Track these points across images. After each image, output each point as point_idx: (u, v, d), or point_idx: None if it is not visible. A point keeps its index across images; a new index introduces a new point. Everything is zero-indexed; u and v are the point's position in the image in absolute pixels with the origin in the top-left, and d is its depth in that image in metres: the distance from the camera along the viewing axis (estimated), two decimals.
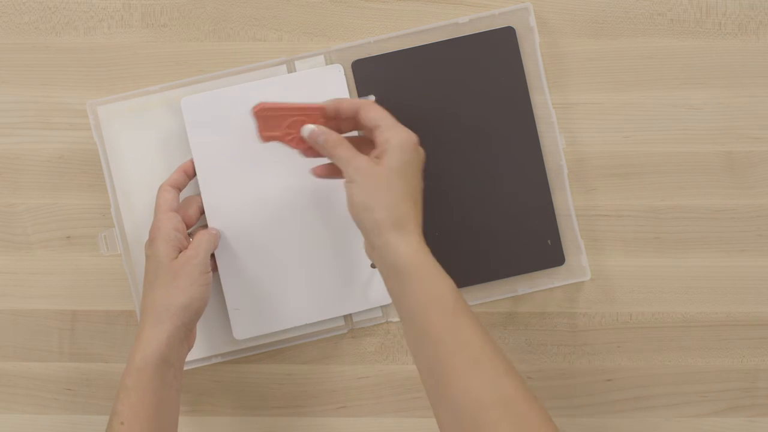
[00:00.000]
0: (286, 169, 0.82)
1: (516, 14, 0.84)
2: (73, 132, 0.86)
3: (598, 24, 0.85)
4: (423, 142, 0.84)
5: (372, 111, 0.75)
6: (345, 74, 0.83)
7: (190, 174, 0.82)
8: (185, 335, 0.76)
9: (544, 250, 0.84)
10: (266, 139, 0.78)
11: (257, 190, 0.82)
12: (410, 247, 0.70)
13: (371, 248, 0.72)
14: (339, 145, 0.74)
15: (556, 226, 0.84)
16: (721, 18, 0.85)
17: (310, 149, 0.77)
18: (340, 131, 0.77)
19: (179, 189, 0.81)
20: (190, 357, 0.82)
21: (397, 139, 0.73)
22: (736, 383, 0.85)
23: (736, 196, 0.85)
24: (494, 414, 0.64)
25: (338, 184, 0.81)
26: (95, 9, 0.86)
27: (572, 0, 0.85)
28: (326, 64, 0.83)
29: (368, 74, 0.84)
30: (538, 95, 0.84)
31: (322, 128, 0.75)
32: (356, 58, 0.84)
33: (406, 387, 0.85)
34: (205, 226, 0.82)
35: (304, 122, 0.78)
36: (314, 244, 0.83)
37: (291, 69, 0.83)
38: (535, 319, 0.86)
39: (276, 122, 0.78)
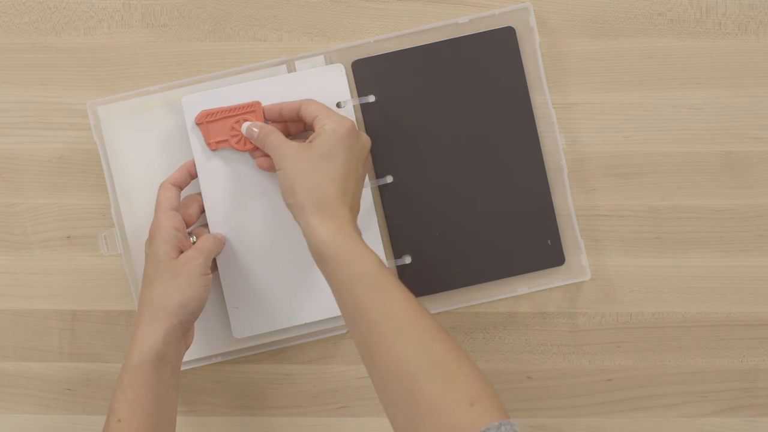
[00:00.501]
0: None
1: (516, 14, 0.84)
2: (73, 132, 0.86)
3: (598, 24, 0.85)
4: (423, 143, 0.84)
5: (311, 105, 0.78)
6: (346, 74, 0.83)
7: (193, 173, 0.82)
8: (182, 333, 0.76)
9: (544, 250, 0.84)
10: (215, 146, 0.80)
11: (258, 189, 0.82)
12: (328, 230, 0.71)
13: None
14: (270, 134, 0.77)
15: (556, 226, 0.84)
16: (721, 18, 0.85)
17: (256, 149, 0.80)
18: (288, 134, 0.80)
19: (181, 187, 0.81)
20: (189, 356, 0.82)
21: (330, 125, 0.75)
22: (736, 383, 0.85)
23: (736, 196, 0.85)
24: (423, 379, 0.65)
25: None
26: (95, 9, 0.86)
27: (572, 0, 0.85)
28: (326, 64, 0.83)
29: (368, 74, 0.84)
30: (538, 95, 0.84)
31: (257, 122, 0.78)
32: (356, 58, 0.84)
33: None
34: (206, 225, 0.82)
35: (247, 120, 0.79)
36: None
37: (291, 69, 0.83)
38: (535, 319, 0.86)
39: (220, 127, 0.80)
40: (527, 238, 0.84)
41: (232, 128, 0.80)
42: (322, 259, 0.72)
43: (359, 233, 0.73)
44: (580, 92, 0.85)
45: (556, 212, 0.84)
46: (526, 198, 0.84)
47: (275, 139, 0.76)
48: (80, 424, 0.86)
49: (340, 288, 0.71)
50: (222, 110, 0.80)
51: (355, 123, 0.78)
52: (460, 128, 0.84)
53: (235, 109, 0.80)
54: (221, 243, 0.81)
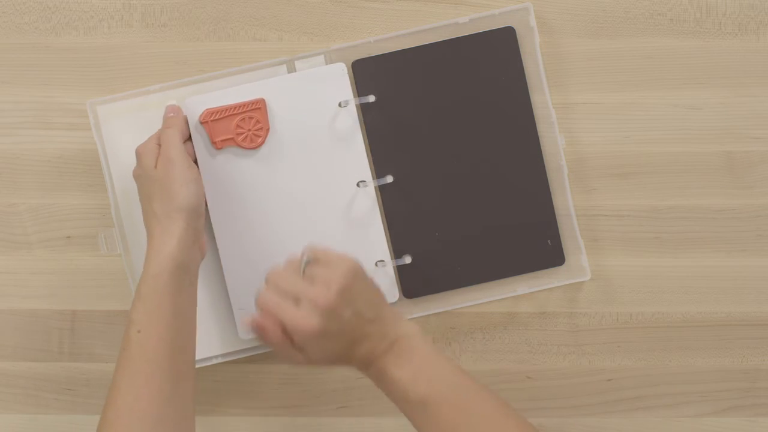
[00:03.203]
0: (290, 168, 0.82)
1: (516, 14, 0.84)
2: (73, 132, 0.86)
3: (598, 24, 0.85)
4: (423, 143, 0.84)
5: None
6: (348, 73, 0.83)
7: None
8: (194, 237, 0.75)
9: (544, 250, 0.84)
10: (220, 145, 0.80)
11: (263, 188, 0.82)
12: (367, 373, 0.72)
13: None
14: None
15: (556, 226, 0.84)
16: (721, 18, 0.85)
17: (262, 145, 0.80)
18: None
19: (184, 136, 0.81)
20: None
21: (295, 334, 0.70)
22: (736, 383, 0.85)
23: (736, 196, 0.85)
24: None
25: (345, 185, 0.82)
26: (95, 9, 0.86)
27: (572, 0, 0.85)
28: (326, 64, 0.83)
29: (368, 74, 0.84)
30: (538, 95, 0.84)
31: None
32: (356, 58, 0.84)
33: None
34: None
35: (251, 117, 0.79)
36: (318, 244, 0.82)
37: (291, 69, 0.83)
38: (535, 319, 0.86)
39: (225, 125, 0.80)
40: (527, 238, 0.84)
41: (237, 126, 0.80)
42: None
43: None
44: (580, 92, 0.85)
45: (556, 212, 0.84)
46: (526, 198, 0.84)
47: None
48: (80, 424, 0.86)
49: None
50: (226, 108, 0.80)
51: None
52: (460, 128, 0.84)
53: (240, 106, 0.80)
54: (181, 119, 0.80)
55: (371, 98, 0.83)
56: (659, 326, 0.85)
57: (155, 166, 0.76)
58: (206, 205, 0.81)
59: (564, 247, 0.84)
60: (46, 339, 0.86)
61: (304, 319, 0.68)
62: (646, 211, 0.85)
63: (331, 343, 0.70)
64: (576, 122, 0.85)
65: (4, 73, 0.86)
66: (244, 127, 0.80)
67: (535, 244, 0.84)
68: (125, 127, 0.83)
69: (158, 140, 0.78)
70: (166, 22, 0.86)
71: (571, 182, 0.84)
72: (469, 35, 0.84)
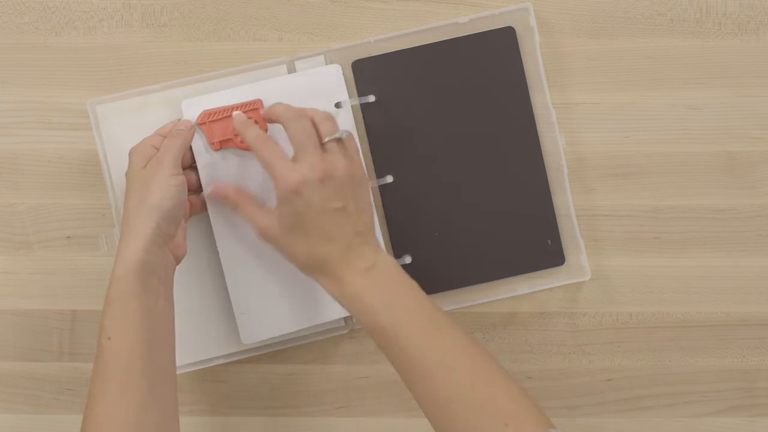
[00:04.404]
0: None
1: (516, 14, 0.84)
2: (73, 132, 0.86)
3: (598, 24, 0.85)
4: (423, 143, 0.84)
5: (261, 153, 0.74)
6: (344, 74, 0.83)
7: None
8: (163, 240, 0.73)
9: (544, 250, 0.84)
10: (218, 146, 0.80)
11: (263, 190, 0.81)
12: (335, 286, 0.73)
13: None
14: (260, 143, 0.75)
15: (556, 226, 0.84)
16: (721, 18, 0.85)
17: None
18: None
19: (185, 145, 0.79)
20: (191, 359, 0.82)
21: (277, 185, 0.73)
22: (736, 383, 0.85)
23: (736, 196, 0.85)
24: (457, 408, 0.68)
25: None
26: (95, 9, 0.86)
27: (572, 0, 0.85)
28: (326, 64, 0.83)
29: (368, 74, 0.84)
30: (538, 95, 0.84)
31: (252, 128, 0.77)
32: (356, 58, 0.84)
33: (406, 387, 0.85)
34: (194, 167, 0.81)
35: (249, 118, 0.79)
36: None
37: (291, 69, 0.83)
38: (535, 319, 0.86)
39: (223, 127, 0.80)
40: (527, 238, 0.84)
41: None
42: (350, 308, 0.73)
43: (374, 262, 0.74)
44: (580, 92, 0.85)
45: (556, 212, 0.84)
46: (526, 198, 0.84)
47: (268, 157, 0.74)
48: (80, 424, 0.86)
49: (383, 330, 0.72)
50: (223, 109, 0.80)
51: (321, 167, 0.73)
52: (460, 128, 0.84)
53: (237, 107, 0.80)
54: (188, 135, 0.79)
55: (371, 98, 0.83)
56: (659, 326, 0.85)
57: (144, 166, 0.76)
58: (206, 210, 0.81)
59: (564, 247, 0.84)
60: (46, 339, 0.86)
61: (305, 167, 0.72)
62: (646, 211, 0.85)
63: (310, 218, 0.72)
64: (576, 122, 0.85)
65: (4, 73, 0.86)
66: None
67: (535, 244, 0.84)
68: (125, 126, 0.83)
69: (153, 143, 0.78)
70: (166, 22, 0.86)
71: (571, 182, 0.84)
72: (469, 35, 0.84)
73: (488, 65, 0.84)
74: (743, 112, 0.85)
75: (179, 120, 0.80)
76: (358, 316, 0.72)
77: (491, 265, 0.84)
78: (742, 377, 0.85)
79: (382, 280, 0.73)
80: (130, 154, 0.77)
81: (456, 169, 0.84)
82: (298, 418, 0.86)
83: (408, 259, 0.84)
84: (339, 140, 0.74)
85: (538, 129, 0.84)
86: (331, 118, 0.75)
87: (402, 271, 0.74)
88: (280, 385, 0.86)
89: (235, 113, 0.79)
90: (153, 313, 0.71)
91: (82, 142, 0.85)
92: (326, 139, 0.74)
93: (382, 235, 0.84)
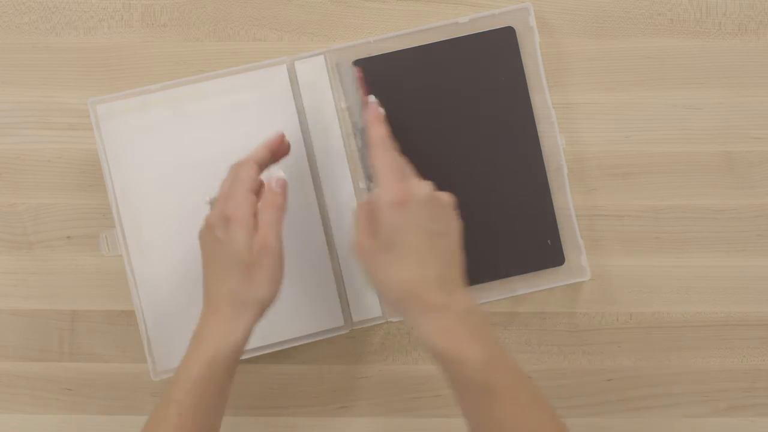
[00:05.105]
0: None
1: (516, 14, 0.84)
2: (73, 132, 0.86)
3: (598, 24, 0.85)
4: (423, 143, 0.84)
5: (375, 159, 0.71)
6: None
7: (275, 154, 0.75)
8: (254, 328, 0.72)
9: (544, 250, 0.84)
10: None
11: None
12: (424, 321, 0.66)
13: None
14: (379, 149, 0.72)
15: (556, 226, 0.84)
16: (721, 18, 0.85)
17: None
18: None
19: (262, 169, 0.74)
20: None
21: (378, 202, 0.68)
22: (736, 383, 0.85)
23: (736, 196, 0.85)
24: None
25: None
26: (95, 9, 0.86)
27: (572, 0, 0.85)
28: (326, 64, 0.83)
29: (368, 74, 0.84)
30: (538, 95, 0.84)
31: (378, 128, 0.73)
32: (356, 58, 0.84)
33: (406, 387, 0.85)
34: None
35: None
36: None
37: (291, 69, 0.83)
38: (535, 319, 0.86)
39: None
40: (527, 238, 0.84)
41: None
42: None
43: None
44: (580, 92, 0.85)
45: (556, 212, 0.84)
46: (526, 198, 0.84)
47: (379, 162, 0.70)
48: (80, 424, 0.86)
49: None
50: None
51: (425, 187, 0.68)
52: (459, 128, 0.84)
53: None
54: (281, 207, 0.73)
55: (371, 98, 0.83)
56: (659, 326, 0.85)
57: (251, 247, 0.70)
58: None
59: (564, 247, 0.84)
60: (46, 339, 0.86)
61: (412, 184, 0.68)
62: (646, 211, 0.85)
63: (410, 236, 0.66)
64: (576, 122, 0.85)
65: (4, 73, 0.86)
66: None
67: (535, 244, 0.84)
68: (125, 126, 0.83)
69: (248, 206, 0.71)
70: (166, 22, 0.86)
71: (571, 182, 0.84)
72: (469, 35, 0.84)
73: (488, 65, 0.84)
74: (743, 112, 0.85)
75: (280, 141, 0.76)
76: (449, 363, 0.66)
77: (491, 265, 0.84)
78: (742, 377, 0.85)
79: (481, 330, 0.67)
80: (235, 222, 0.70)
81: (456, 169, 0.84)
82: (298, 418, 0.86)
83: None
84: None
85: (538, 129, 0.84)
86: None
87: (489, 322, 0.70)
88: (280, 385, 0.86)
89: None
90: (224, 399, 0.71)
91: (82, 142, 0.85)
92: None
93: None
